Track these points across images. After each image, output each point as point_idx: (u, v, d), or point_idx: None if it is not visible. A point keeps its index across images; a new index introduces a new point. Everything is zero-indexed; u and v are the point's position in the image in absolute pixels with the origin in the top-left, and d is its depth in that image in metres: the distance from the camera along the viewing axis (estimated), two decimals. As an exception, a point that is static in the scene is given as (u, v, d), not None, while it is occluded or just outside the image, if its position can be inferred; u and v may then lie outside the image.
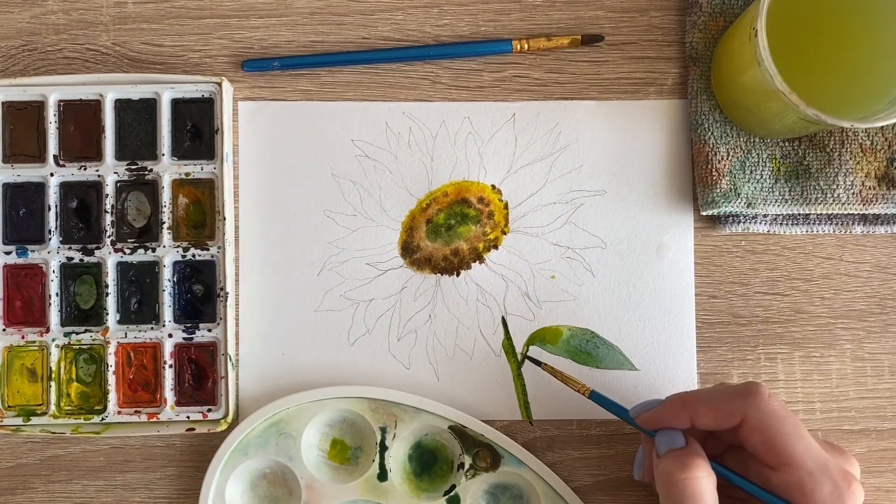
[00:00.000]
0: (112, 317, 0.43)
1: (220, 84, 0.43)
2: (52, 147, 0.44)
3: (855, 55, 0.39)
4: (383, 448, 0.43)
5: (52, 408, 0.43)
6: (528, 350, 0.44)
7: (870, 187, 0.43)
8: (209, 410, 0.43)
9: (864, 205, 0.43)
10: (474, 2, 0.45)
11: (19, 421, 0.43)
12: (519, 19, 0.45)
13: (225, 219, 0.43)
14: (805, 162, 0.43)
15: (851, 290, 0.45)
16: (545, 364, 0.43)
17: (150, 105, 0.44)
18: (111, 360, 0.43)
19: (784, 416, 0.35)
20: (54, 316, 0.43)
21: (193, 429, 0.43)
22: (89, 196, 0.44)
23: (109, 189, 0.43)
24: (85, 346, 0.44)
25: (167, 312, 0.43)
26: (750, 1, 0.44)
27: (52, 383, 0.43)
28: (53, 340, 0.43)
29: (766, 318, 0.45)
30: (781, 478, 0.35)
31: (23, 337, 0.43)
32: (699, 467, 0.35)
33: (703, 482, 0.35)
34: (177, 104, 0.44)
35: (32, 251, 0.44)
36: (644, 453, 0.40)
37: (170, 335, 0.43)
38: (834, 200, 0.43)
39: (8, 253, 0.44)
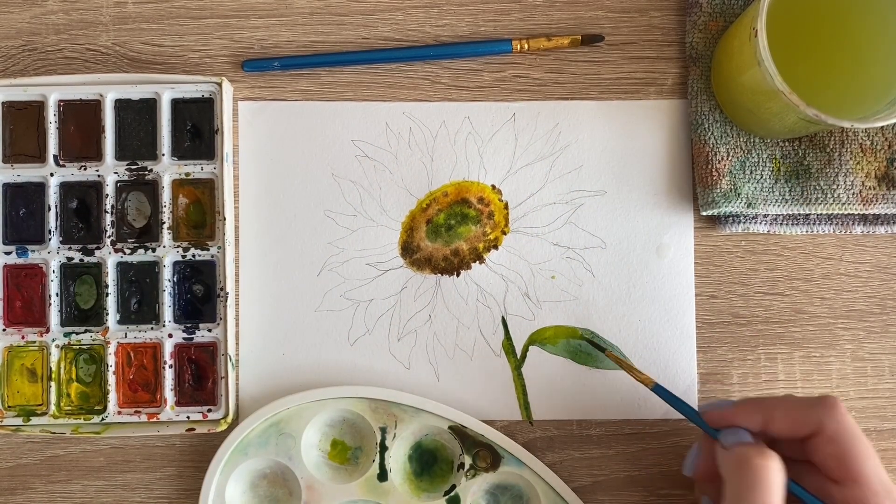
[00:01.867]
0: (112, 317, 0.43)
1: (220, 84, 0.43)
2: (52, 147, 0.44)
3: (855, 55, 0.39)
4: (383, 448, 0.43)
5: (52, 408, 0.43)
6: (527, 350, 0.44)
7: (870, 187, 0.43)
8: (209, 410, 0.43)
9: (864, 205, 0.43)
10: (474, 2, 0.45)
11: (19, 421, 0.43)
12: (519, 19, 0.45)
13: (225, 219, 0.43)
14: (805, 162, 0.43)
15: (851, 291, 0.45)
16: (609, 351, 0.43)
17: (150, 105, 0.44)
18: (111, 360, 0.43)
19: (859, 434, 0.36)
20: (54, 316, 0.43)
21: (193, 429, 0.43)
22: (89, 196, 0.44)
23: (109, 189, 0.43)
24: (85, 347, 0.44)
25: (167, 312, 0.43)
26: (750, 1, 0.44)
27: (52, 383, 0.43)
28: (53, 340, 0.43)
29: (767, 318, 0.45)
30: (844, 493, 0.35)
31: (23, 337, 0.43)
32: (777, 459, 0.35)
33: (779, 474, 0.35)
34: (177, 104, 0.44)
35: (32, 251, 0.44)
36: (701, 450, 0.40)
37: (170, 335, 0.43)
38: (834, 200, 0.43)
39: (8, 253, 0.44)
